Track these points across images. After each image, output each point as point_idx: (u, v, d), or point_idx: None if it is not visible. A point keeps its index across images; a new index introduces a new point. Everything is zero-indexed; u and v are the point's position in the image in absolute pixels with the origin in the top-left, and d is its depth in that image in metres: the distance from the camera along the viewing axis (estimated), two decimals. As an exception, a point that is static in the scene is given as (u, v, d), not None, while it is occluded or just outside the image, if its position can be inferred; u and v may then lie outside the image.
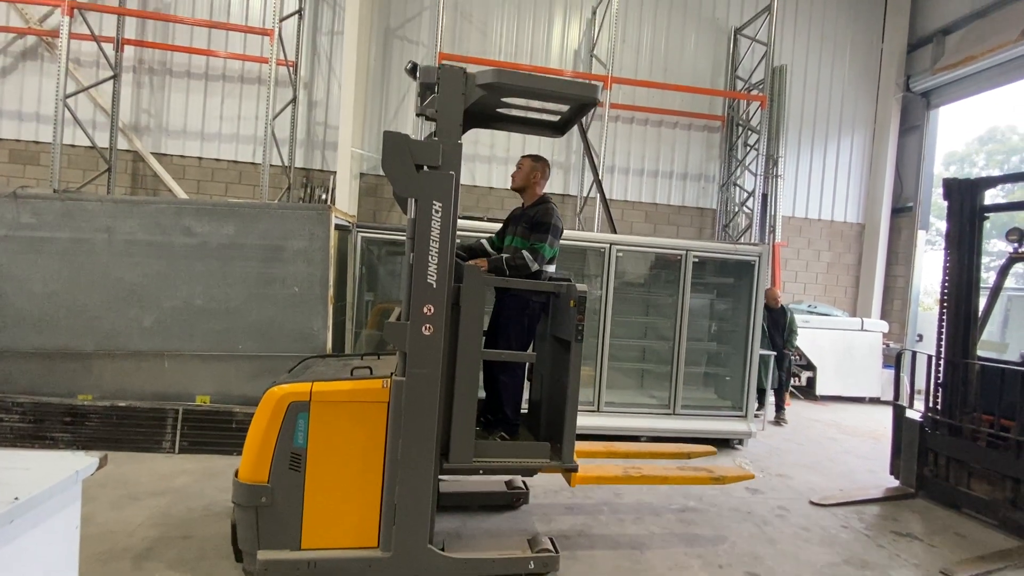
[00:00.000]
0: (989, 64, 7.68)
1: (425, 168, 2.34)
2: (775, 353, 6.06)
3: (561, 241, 2.97)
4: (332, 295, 4.27)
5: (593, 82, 2.41)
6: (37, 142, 7.34)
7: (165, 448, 3.88)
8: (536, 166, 3.01)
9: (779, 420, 6.29)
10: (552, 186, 7.92)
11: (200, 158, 7.74)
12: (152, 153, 7.61)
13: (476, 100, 2.42)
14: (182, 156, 7.70)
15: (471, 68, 2.50)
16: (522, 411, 3.10)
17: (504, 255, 2.81)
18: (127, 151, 7.58)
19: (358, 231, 5.05)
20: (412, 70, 2.52)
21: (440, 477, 2.58)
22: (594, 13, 8.45)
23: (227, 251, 4.07)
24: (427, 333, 2.33)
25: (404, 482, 2.32)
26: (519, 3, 8.24)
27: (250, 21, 7.69)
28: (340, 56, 7.69)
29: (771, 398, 6.27)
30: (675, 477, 3.14)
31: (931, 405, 4.08)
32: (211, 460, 3.79)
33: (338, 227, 4.55)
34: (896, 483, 4.26)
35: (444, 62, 2.45)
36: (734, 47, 8.87)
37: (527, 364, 2.98)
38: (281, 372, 2.83)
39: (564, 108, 2.87)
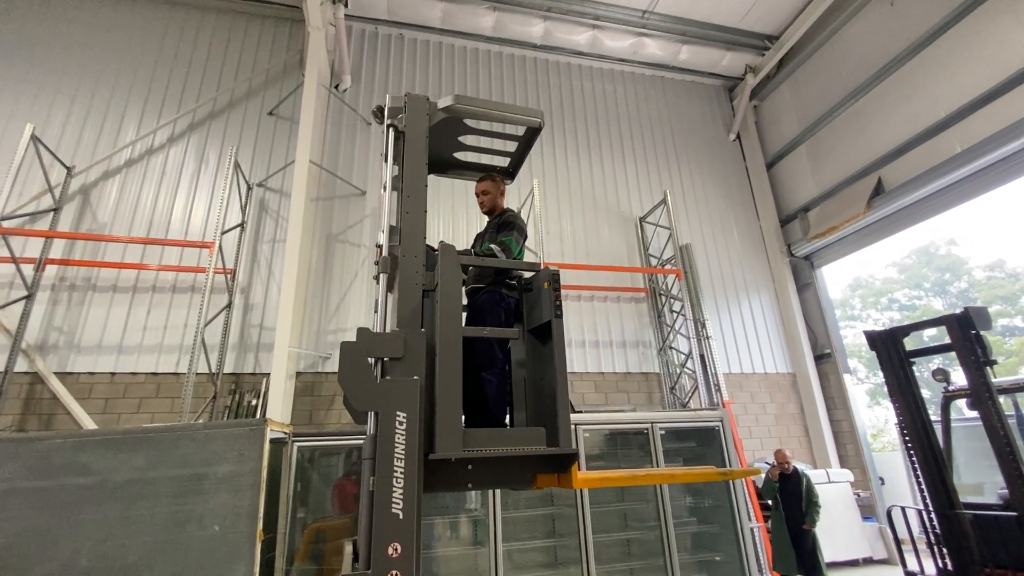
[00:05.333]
0: (849, 231, 9.25)
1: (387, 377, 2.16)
2: (793, 531, 5.16)
3: None
4: (261, 529, 3.56)
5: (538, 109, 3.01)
6: (-90, 374, 6.42)
7: None
8: (497, 183, 3.27)
9: None
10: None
11: (113, 374, 7.04)
12: (56, 373, 6.86)
13: (437, 127, 2.76)
14: (91, 374, 6.98)
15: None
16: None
17: (472, 250, 3.00)
18: (24, 373, 6.78)
19: (294, 442, 4.53)
20: (379, 111, 2.83)
21: None
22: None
23: (132, 489, 3.39)
24: (394, 582, 1.87)
25: None
26: (453, 204, 9.18)
27: (190, 234, 7.86)
28: (280, 261, 7.86)
29: None
30: (682, 475, 3.12)
31: (941, 567, 3.78)
32: None
33: (272, 441, 4.03)
34: (943, 674, 3.68)
35: (409, 92, 2.89)
36: (642, 232, 10.17)
37: (508, 367, 2.87)
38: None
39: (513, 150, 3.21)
